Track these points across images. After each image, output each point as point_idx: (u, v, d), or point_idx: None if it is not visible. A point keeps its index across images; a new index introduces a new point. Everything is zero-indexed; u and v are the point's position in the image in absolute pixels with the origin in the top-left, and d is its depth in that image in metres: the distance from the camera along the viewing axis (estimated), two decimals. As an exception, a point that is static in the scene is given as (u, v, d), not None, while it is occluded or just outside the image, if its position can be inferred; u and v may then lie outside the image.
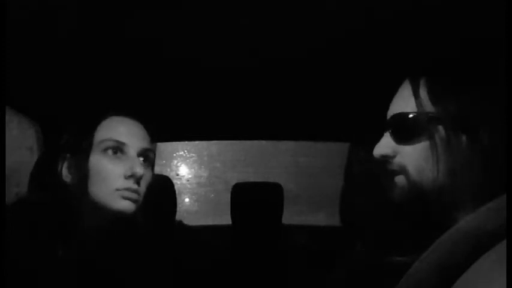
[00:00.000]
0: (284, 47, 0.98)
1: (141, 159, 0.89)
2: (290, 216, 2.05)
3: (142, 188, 0.87)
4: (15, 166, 1.21)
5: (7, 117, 1.19)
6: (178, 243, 0.98)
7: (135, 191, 0.86)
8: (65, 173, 0.88)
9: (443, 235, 0.35)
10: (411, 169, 0.65)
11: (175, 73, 1.13)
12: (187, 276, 0.94)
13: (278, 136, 1.93)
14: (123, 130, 0.89)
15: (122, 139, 0.87)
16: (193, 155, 4.80)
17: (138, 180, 0.86)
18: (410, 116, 0.66)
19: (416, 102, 0.66)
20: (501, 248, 0.31)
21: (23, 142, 1.28)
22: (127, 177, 0.85)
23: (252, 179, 3.74)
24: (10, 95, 1.03)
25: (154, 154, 0.96)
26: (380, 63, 1.03)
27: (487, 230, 0.33)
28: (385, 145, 0.68)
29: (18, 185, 1.14)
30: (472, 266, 0.32)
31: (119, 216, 0.85)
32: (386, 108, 0.73)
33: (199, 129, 1.61)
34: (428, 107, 0.65)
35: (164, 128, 1.45)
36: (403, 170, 0.66)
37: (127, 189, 0.85)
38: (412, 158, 0.65)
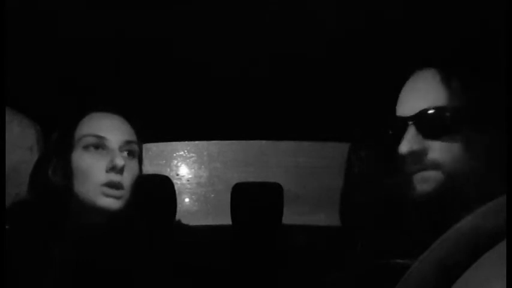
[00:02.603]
0: (284, 47, 0.98)
1: (125, 152, 0.89)
2: (290, 216, 2.04)
3: (127, 180, 0.87)
4: (15, 166, 1.20)
5: (7, 117, 1.19)
6: (177, 243, 0.98)
7: (118, 185, 0.85)
8: (51, 174, 0.88)
9: (443, 235, 0.35)
10: (446, 164, 0.64)
11: (175, 73, 1.13)
12: (187, 276, 0.93)
13: (278, 136, 1.93)
14: (102, 125, 0.89)
15: (102, 133, 0.87)
16: (193, 155, 4.79)
17: (120, 172, 0.85)
18: (442, 110, 0.65)
19: (447, 95, 0.65)
20: (501, 248, 0.31)
21: (23, 142, 1.28)
22: (108, 170, 0.84)
23: (252, 179, 3.73)
24: (10, 95, 1.02)
25: (141, 147, 0.95)
26: (380, 62, 1.03)
27: (487, 230, 0.33)
28: (414, 140, 0.66)
29: (18, 185, 1.14)
30: (472, 266, 0.32)
31: (105, 214, 0.85)
32: (387, 107, 0.73)
33: (199, 129, 1.61)
34: (459, 99, 0.64)
35: (164, 128, 1.45)
36: (436, 166, 0.65)
37: (109, 183, 0.84)
38: (446, 153, 0.64)
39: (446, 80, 0.66)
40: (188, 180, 4.80)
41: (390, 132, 0.72)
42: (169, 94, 1.27)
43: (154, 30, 0.90)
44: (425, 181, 0.66)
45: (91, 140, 0.87)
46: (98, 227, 0.86)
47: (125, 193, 0.87)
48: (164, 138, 1.71)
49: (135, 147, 0.92)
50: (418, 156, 0.65)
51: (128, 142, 0.90)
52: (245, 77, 1.16)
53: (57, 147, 0.89)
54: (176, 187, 1.69)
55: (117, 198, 0.85)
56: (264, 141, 4.15)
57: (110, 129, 0.89)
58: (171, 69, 1.10)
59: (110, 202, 0.84)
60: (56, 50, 0.97)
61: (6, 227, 0.81)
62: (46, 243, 0.82)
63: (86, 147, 0.86)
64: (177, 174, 4.69)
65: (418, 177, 0.66)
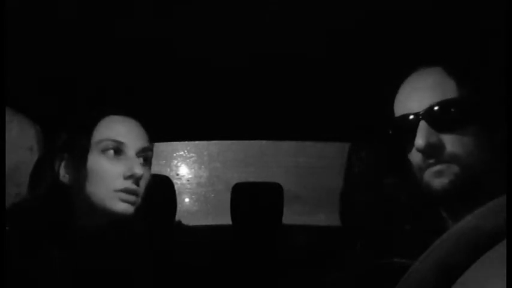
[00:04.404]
0: (284, 47, 0.98)
1: (141, 158, 0.88)
2: (290, 216, 2.04)
3: (142, 188, 0.87)
4: (15, 166, 1.20)
5: (7, 117, 1.19)
6: (177, 243, 0.98)
7: (134, 192, 0.85)
8: (63, 173, 0.87)
9: (443, 235, 0.35)
10: (464, 157, 0.64)
11: (175, 73, 1.13)
12: (187, 277, 0.93)
13: (278, 136, 1.93)
14: (121, 129, 0.88)
15: (121, 139, 0.86)
16: (193, 155, 4.80)
17: (137, 181, 0.85)
18: (452, 103, 0.65)
19: (455, 90, 0.66)
20: (501, 248, 0.31)
21: (23, 142, 1.28)
22: (126, 178, 0.84)
23: (252, 179, 3.74)
24: (10, 95, 1.03)
25: (152, 153, 0.95)
26: (379, 62, 1.03)
27: (487, 230, 0.33)
28: (429, 134, 0.66)
29: (18, 185, 1.13)
30: (472, 266, 0.32)
31: (117, 218, 0.84)
32: (386, 107, 0.73)
33: (199, 129, 1.61)
34: (467, 93, 0.65)
35: (164, 128, 1.45)
36: (455, 159, 0.65)
37: (125, 190, 0.84)
38: (460, 145, 0.65)
39: (453, 75, 0.66)
40: (188, 180, 4.81)
41: (390, 132, 0.71)
42: (169, 94, 1.27)
43: (154, 30, 0.90)
44: (440, 175, 0.66)
45: (110, 144, 0.86)
46: (99, 227, 0.86)
47: (138, 200, 0.87)
48: (164, 138, 1.71)
49: (150, 153, 0.92)
50: (434, 149, 0.65)
51: (145, 149, 0.89)
52: (245, 77, 1.16)
53: (71, 147, 0.88)
54: (176, 187, 1.69)
55: (133, 204, 0.85)
56: (264, 141, 4.15)
57: (129, 134, 0.88)
58: (171, 69, 1.10)
59: (126, 207, 0.84)
60: (56, 50, 0.97)
61: (6, 228, 0.81)
62: (46, 243, 0.82)
63: (104, 151, 0.85)
64: (177, 174, 4.69)
65: (432, 171, 0.66)
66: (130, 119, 0.92)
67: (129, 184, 0.84)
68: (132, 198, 0.85)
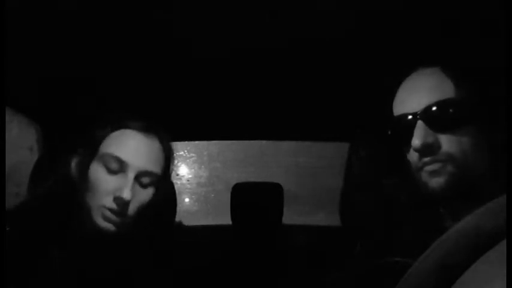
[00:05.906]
0: (284, 47, 0.98)
1: (141, 181, 0.84)
2: (290, 216, 2.04)
3: (132, 209, 0.83)
4: (15, 166, 1.20)
5: (7, 117, 1.19)
6: (178, 244, 0.98)
7: (119, 214, 0.82)
8: (73, 167, 0.88)
9: (443, 235, 0.35)
10: (460, 157, 0.65)
11: (175, 73, 1.13)
12: (187, 277, 0.93)
13: (278, 136, 1.93)
14: (128, 147, 0.85)
15: (123, 157, 0.83)
16: (193, 155, 4.80)
17: (124, 206, 0.81)
18: (449, 103, 0.66)
19: (453, 90, 0.66)
20: (501, 248, 0.31)
21: (23, 142, 1.28)
22: (115, 198, 0.81)
23: (252, 179, 3.74)
24: (10, 95, 1.03)
25: (159, 178, 0.88)
26: (379, 62, 1.03)
27: (487, 230, 0.33)
28: (426, 134, 0.66)
29: (18, 185, 1.14)
30: (472, 266, 0.32)
31: (99, 234, 0.82)
32: (386, 107, 0.73)
33: (199, 129, 1.61)
34: (465, 94, 0.65)
35: (164, 128, 1.45)
36: (451, 159, 0.65)
37: (112, 209, 0.81)
38: (460, 146, 0.65)
39: (451, 76, 0.67)
40: (188, 180, 4.81)
41: (389, 132, 0.72)
42: (169, 94, 1.27)
43: (154, 30, 0.90)
44: (436, 174, 0.66)
45: (111, 160, 0.83)
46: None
47: (127, 219, 0.83)
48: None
49: (153, 178, 0.86)
50: (431, 149, 0.66)
51: (147, 173, 0.85)
52: (245, 77, 1.16)
53: (84, 147, 0.87)
54: (176, 187, 1.69)
55: (116, 224, 0.82)
56: (264, 141, 4.15)
57: (134, 154, 0.84)
58: (171, 69, 1.10)
59: (107, 226, 0.82)
60: (56, 50, 0.97)
61: (7, 228, 0.81)
62: (46, 243, 0.82)
63: (104, 164, 0.83)
64: (177, 174, 4.69)
65: (428, 170, 0.67)
66: (145, 137, 0.87)
67: (116, 206, 0.81)
68: (115, 219, 0.82)
